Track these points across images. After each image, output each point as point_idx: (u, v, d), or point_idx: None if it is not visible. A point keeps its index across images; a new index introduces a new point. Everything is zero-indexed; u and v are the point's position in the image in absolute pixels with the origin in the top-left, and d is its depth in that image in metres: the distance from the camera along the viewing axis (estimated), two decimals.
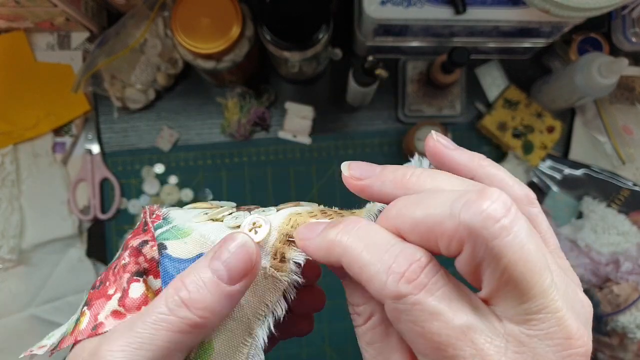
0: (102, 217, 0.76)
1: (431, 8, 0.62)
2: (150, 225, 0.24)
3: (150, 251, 0.23)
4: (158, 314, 0.20)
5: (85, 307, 0.23)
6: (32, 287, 0.75)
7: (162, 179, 0.78)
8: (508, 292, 0.17)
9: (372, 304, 0.21)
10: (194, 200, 0.78)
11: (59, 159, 0.77)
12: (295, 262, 0.23)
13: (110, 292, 0.23)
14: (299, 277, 0.23)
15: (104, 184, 0.78)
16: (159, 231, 0.24)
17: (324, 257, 0.21)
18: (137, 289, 0.22)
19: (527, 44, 0.73)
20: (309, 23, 0.62)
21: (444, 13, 0.62)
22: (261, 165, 0.79)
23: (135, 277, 0.23)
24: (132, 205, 0.77)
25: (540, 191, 0.77)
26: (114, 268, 0.24)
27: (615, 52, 0.78)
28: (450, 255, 0.18)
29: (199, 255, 0.23)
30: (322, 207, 0.26)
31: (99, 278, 0.24)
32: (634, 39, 0.74)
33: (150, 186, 0.77)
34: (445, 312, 0.17)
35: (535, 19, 0.63)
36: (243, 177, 0.79)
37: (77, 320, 0.23)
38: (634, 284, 0.65)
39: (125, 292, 0.22)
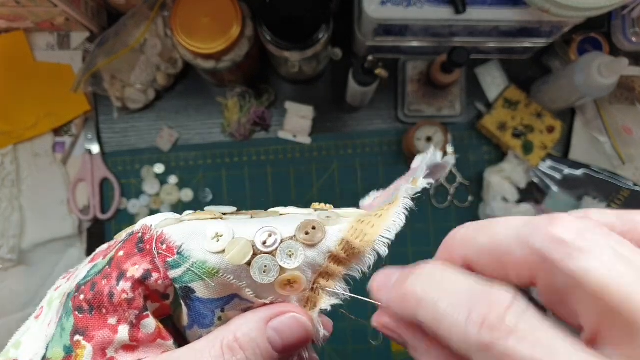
0: (102, 217, 0.76)
1: (431, 8, 0.62)
2: (155, 251, 0.22)
3: (155, 284, 0.22)
4: None
5: (79, 337, 0.21)
6: (32, 286, 0.75)
7: (162, 179, 0.78)
8: (614, 328, 0.14)
9: None
10: (194, 200, 0.78)
11: (59, 159, 0.77)
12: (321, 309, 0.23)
13: (112, 321, 0.21)
14: (320, 328, 0.23)
15: (104, 184, 0.78)
16: (177, 272, 0.22)
17: (400, 311, 0.19)
18: (149, 324, 0.22)
19: (527, 43, 0.73)
20: (309, 23, 0.62)
21: (444, 13, 0.62)
22: (261, 165, 0.79)
23: (144, 314, 0.22)
24: (132, 205, 0.77)
25: (540, 191, 0.77)
26: (109, 295, 0.21)
27: (615, 52, 0.78)
28: (524, 286, 0.16)
29: (232, 296, 0.22)
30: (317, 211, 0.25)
31: (83, 298, 0.22)
32: (634, 39, 0.74)
33: (150, 186, 0.77)
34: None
35: (535, 18, 0.63)
36: (243, 177, 0.79)
37: (69, 350, 0.21)
38: None
39: (135, 327, 0.21)
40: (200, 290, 0.22)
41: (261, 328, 0.21)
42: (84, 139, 0.78)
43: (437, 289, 0.17)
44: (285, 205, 0.28)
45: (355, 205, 0.27)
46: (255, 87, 0.77)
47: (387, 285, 0.19)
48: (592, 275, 0.14)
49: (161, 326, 0.22)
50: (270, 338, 0.21)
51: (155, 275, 0.22)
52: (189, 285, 0.22)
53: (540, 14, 0.58)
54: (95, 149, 0.77)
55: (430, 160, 0.24)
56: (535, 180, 0.77)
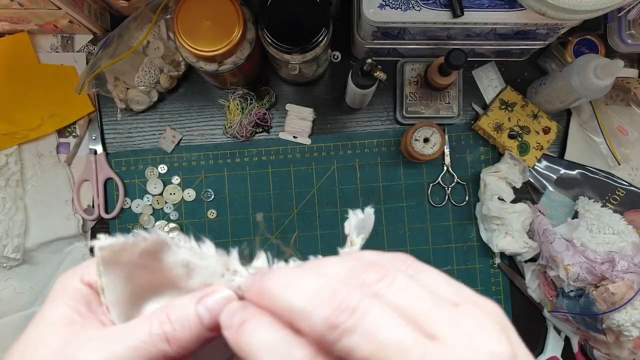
0: (106, 216, 0.77)
1: (429, 11, 0.63)
2: None
3: None
4: (140, 341, 0.22)
5: None
6: (36, 285, 0.77)
7: (165, 179, 0.79)
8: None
9: None
10: (197, 199, 0.79)
11: (63, 159, 0.78)
12: None
13: None
14: None
15: (108, 183, 0.79)
16: None
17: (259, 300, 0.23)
18: None
19: (523, 46, 0.74)
20: (309, 26, 0.63)
21: (441, 16, 0.63)
22: (262, 165, 0.80)
23: None
24: (136, 205, 0.78)
25: (536, 191, 0.78)
26: None
27: (610, 53, 0.79)
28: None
29: None
30: None
31: None
32: (629, 41, 0.75)
33: (153, 186, 0.78)
34: None
35: (531, 21, 0.64)
36: (245, 177, 0.80)
37: None
38: (629, 283, 0.66)
39: None
40: None
41: (191, 305, 0.23)
42: (88, 139, 0.79)
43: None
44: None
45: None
46: (256, 89, 0.79)
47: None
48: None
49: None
50: (199, 313, 0.23)
51: None
52: None
53: (537, 17, 0.59)
54: (99, 149, 0.79)
55: (355, 221, 0.27)
56: (532, 180, 0.78)
